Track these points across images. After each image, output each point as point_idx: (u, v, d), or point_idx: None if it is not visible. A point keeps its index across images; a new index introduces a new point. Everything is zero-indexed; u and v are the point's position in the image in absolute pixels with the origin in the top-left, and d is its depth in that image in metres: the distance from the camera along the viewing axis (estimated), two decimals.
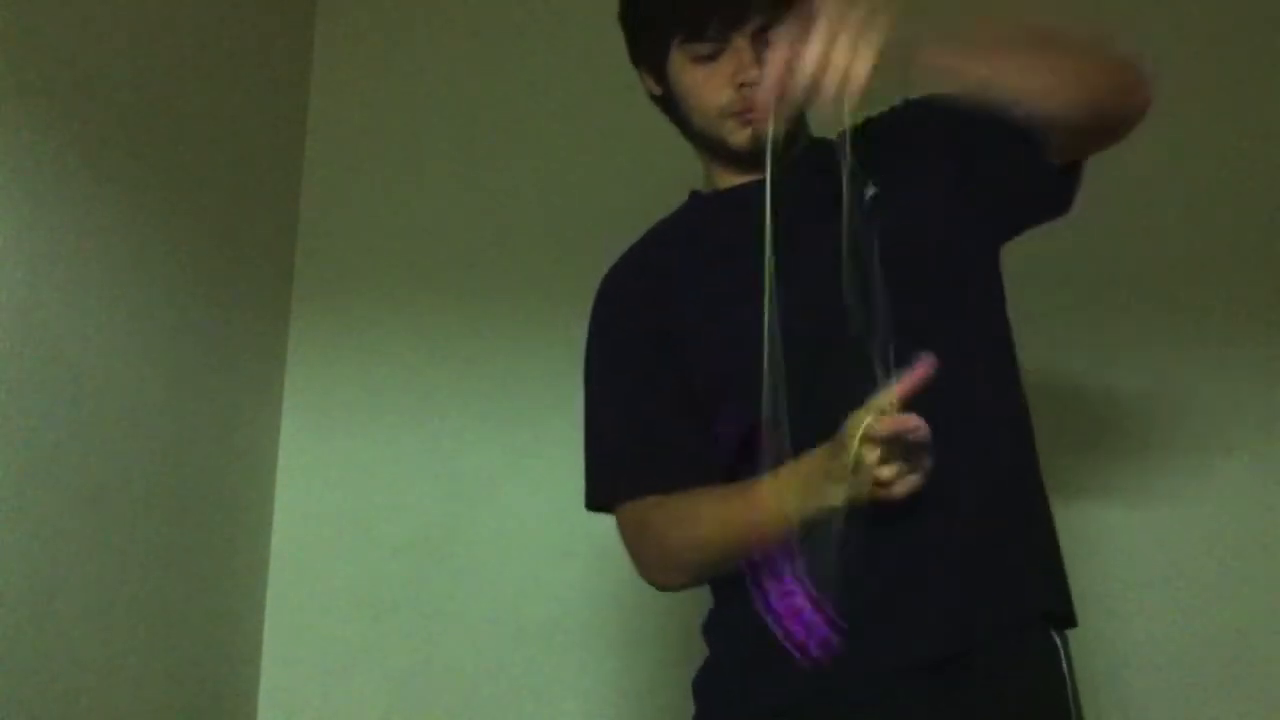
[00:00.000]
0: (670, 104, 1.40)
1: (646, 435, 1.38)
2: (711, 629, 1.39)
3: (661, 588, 1.39)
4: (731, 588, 1.33)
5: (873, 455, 1.11)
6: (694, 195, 1.47)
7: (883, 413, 1.10)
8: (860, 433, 1.11)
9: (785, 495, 1.20)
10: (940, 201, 1.32)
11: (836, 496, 1.15)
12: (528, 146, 2.25)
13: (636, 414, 1.39)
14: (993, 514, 1.27)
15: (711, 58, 1.33)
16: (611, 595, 2.09)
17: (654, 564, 1.36)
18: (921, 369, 1.10)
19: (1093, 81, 1.20)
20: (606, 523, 2.20)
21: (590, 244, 2.19)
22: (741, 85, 1.31)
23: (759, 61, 1.28)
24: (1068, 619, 1.31)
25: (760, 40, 1.30)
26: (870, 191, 1.30)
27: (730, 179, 1.41)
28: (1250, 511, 2.05)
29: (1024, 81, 1.18)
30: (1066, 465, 1.93)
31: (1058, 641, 1.28)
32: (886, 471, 1.12)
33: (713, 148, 1.39)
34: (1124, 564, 2.03)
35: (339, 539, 2.16)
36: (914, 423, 1.10)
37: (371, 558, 2.15)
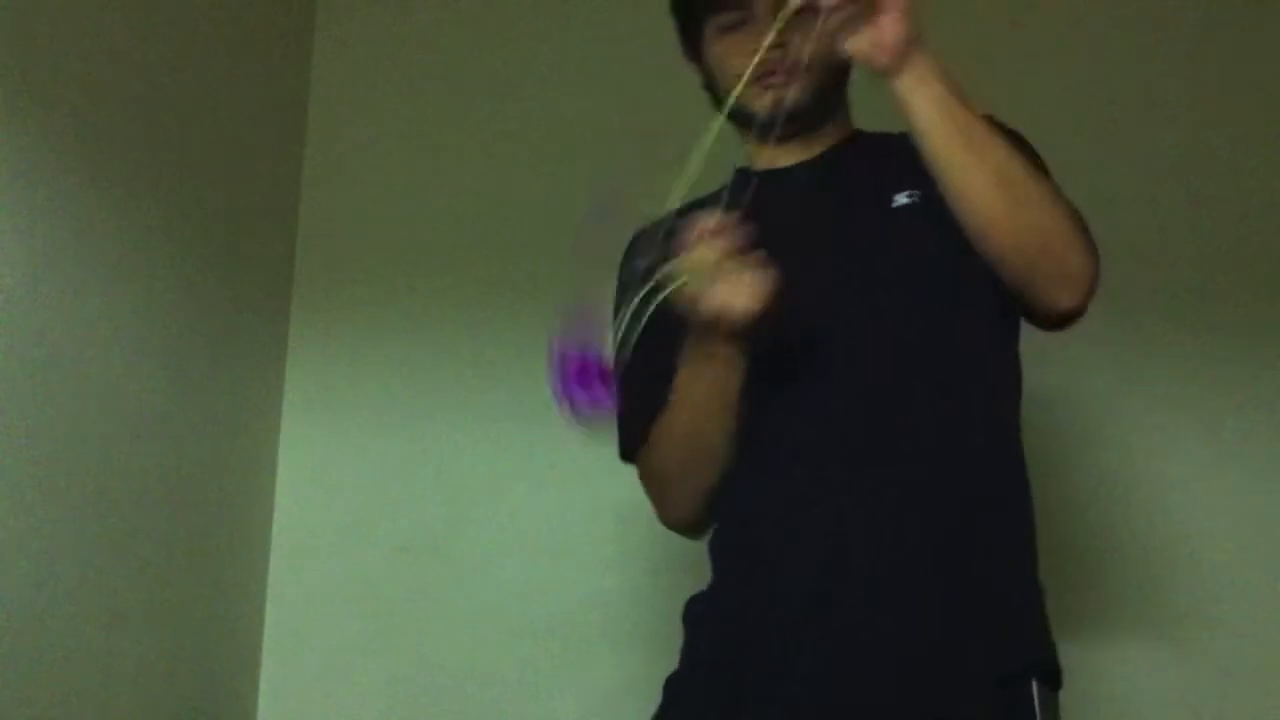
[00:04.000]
0: (711, 87, 1.37)
1: (654, 385, 1.37)
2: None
3: (677, 523, 1.41)
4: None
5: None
6: (738, 171, 1.39)
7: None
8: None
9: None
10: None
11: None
12: (528, 145, 2.25)
13: (651, 365, 1.35)
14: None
15: (735, 27, 1.31)
16: (611, 595, 2.09)
17: (659, 496, 1.40)
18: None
19: (1033, 225, 1.17)
20: (606, 523, 2.20)
21: None
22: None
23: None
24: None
25: (782, 6, 1.24)
26: (904, 198, 1.29)
27: (770, 158, 1.37)
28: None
29: (976, 176, 1.17)
30: None
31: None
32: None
33: (744, 123, 1.35)
34: None
35: (339, 539, 2.16)
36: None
37: (371, 558, 2.15)
